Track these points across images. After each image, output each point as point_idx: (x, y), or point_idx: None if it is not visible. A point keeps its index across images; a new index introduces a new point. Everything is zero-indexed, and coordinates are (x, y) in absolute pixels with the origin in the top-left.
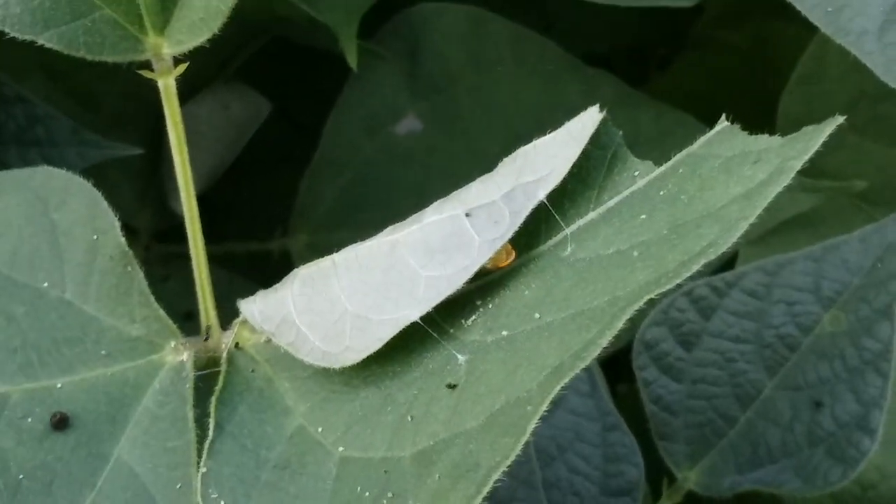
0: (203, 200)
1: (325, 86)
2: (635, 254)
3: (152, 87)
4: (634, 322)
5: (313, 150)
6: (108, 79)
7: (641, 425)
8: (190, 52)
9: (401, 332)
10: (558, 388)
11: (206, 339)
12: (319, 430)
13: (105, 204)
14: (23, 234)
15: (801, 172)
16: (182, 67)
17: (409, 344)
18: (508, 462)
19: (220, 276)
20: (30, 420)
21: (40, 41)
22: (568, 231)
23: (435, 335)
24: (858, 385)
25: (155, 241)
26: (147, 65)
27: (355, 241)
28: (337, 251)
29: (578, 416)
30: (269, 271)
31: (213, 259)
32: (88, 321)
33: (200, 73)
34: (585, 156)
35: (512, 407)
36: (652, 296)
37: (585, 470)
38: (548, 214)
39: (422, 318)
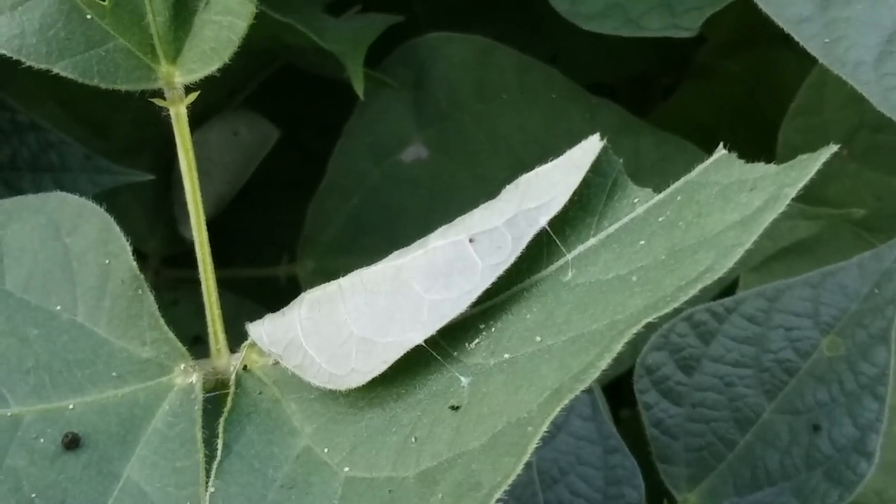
0: (212, 226)
1: (333, 113)
2: (634, 279)
3: (163, 116)
4: (636, 346)
5: (321, 176)
6: (119, 107)
7: (643, 449)
8: (200, 80)
9: (405, 354)
10: (558, 409)
11: (215, 362)
12: (325, 450)
13: (117, 229)
14: (37, 259)
15: (801, 200)
16: (193, 96)
17: (413, 367)
18: (510, 481)
19: (229, 300)
20: (42, 440)
21: (55, 70)
22: (569, 257)
23: (439, 358)
24: (855, 409)
25: (164, 265)
26: (159, 93)
27: (362, 267)
28: (343, 276)
29: (580, 439)
30: (277, 296)
31: (221, 283)
32: (100, 343)
33: (211, 101)
34: (586, 183)
35: (513, 427)
36: (650, 319)
37: (587, 492)
38: (549, 240)
39: (426, 341)
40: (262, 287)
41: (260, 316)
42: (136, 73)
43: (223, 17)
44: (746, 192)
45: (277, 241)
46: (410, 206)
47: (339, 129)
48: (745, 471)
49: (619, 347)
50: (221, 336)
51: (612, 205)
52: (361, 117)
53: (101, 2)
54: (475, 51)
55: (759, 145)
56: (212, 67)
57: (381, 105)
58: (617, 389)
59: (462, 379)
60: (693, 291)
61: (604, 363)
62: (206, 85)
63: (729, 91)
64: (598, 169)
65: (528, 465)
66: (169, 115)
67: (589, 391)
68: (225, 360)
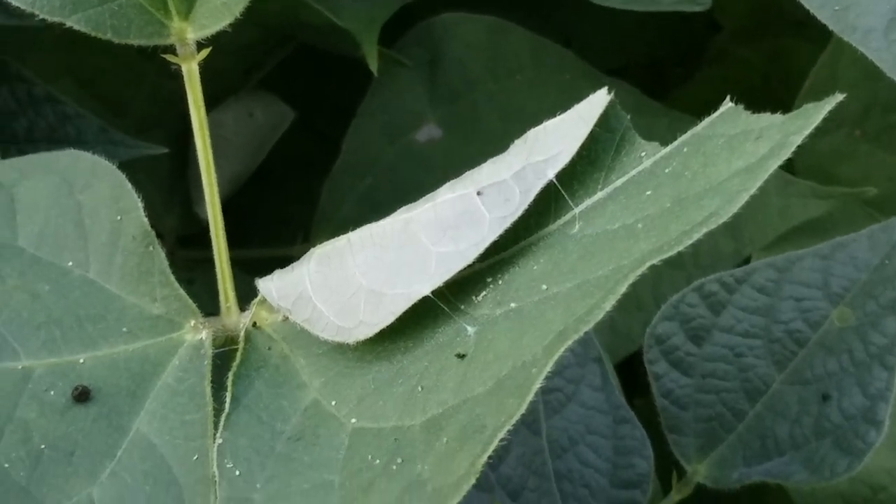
0: (227, 206)
1: (347, 94)
2: (639, 226)
3: (178, 93)
4: (646, 323)
5: (335, 157)
6: (135, 84)
7: (655, 427)
8: (215, 59)
9: (413, 307)
10: (562, 349)
11: (225, 320)
12: (333, 403)
13: (129, 185)
14: (49, 215)
15: (813, 179)
16: (205, 52)
17: (420, 320)
18: (513, 421)
19: (243, 280)
20: (52, 393)
21: (69, 23)
22: (576, 210)
23: (447, 310)
24: (865, 378)
25: (180, 246)
26: (171, 49)
27: None
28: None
29: (590, 409)
30: None
31: (235, 263)
32: (111, 299)
33: (226, 82)
34: (594, 139)
35: (518, 370)
36: (654, 262)
37: (596, 462)
38: (557, 194)
39: (433, 294)
40: (277, 267)
41: None
42: (148, 29)
43: None
44: (752, 142)
45: (292, 222)
46: (425, 185)
47: (353, 109)
48: (755, 441)
49: (622, 289)
50: (231, 293)
51: (620, 159)
52: (375, 97)
53: None
54: (489, 31)
55: None
56: (223, 23)
57: (395, 85)
58: (632, 378)
59: (468, 328)
60: (697, 235)
61: (608, 304)
62: (221, 65)
63: (743, 77)
64: (606, 124)
65: (537, 433)
66: (182, 76)
67: (600, 362)
68: (235, 318)
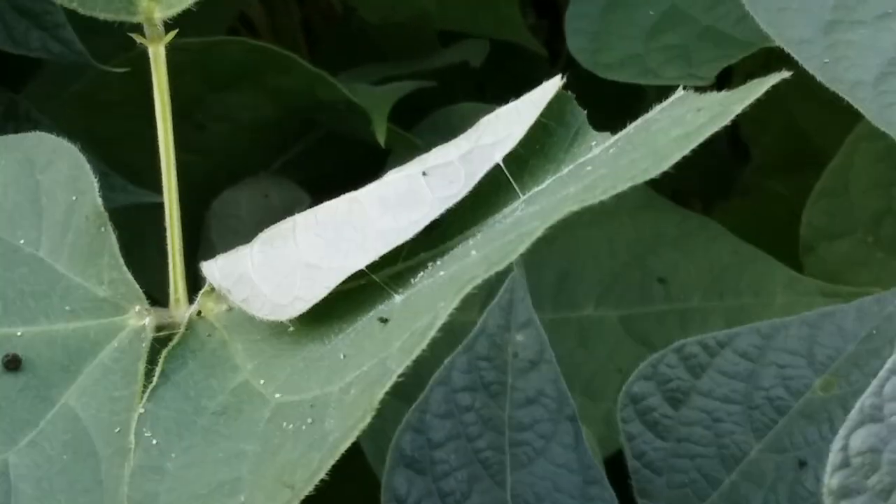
0: None
1: (363, 181)
2: (571, 190)
3: (193, 168)
4: None
5: None
6: (149, 153)
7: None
8: (232, 136)
9: (351, 293)
10: (468, 288)
11: (172, 311)
12: (262, 382)
13: (87, 166)
14: (7, 193)
15: (819, 277)
16: (171, 35)
17: (357, 305)
18: (414, 356)
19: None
20: None
21: None
22: (524, 198)
23: (385, 287)
24: None
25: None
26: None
27: None
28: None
29: (559, 466)
30: None
31: None
32: (58, 278)
33: (245, 167)
34: (549, 133)
35: (429, 319)
36: (574, 208)
37: None
38: (507, 186)
39: (370, 272)
40: None
41: None
42: (116, 4)
43: None
44: (693, 113)
45: None
46: None
47: None
48: None
49: (539, 233)
50: (181, 285)
51: (572, 151)
52: None
53: None
54: None
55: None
56: (189, 1)
57: None
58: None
59: (396, 297)
60: (623, 187)
61: (523, 247)
62: (239, 143)
63: (770, 210)
64: (561, 120)
65: (501, 485)
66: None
67: (573, 420)
68: (182, 310)
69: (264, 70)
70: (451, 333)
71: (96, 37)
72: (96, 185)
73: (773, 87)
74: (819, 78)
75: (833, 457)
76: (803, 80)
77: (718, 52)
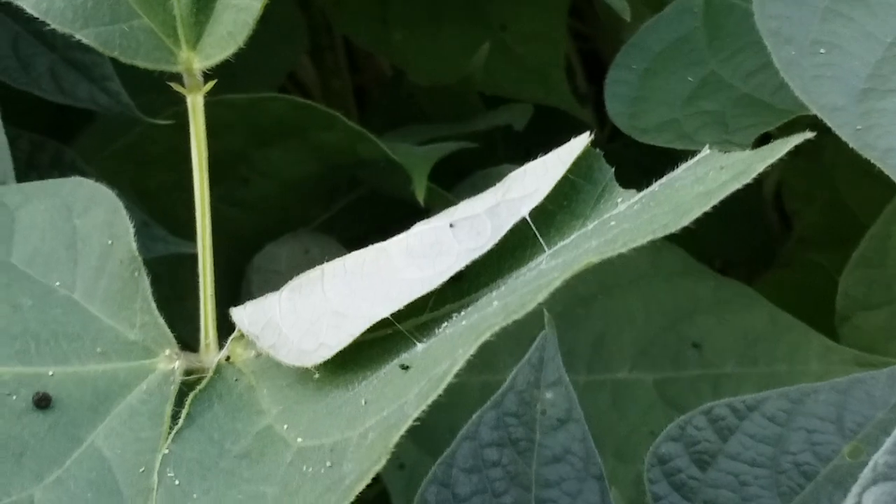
0: None
1: None
2: (593, 243)
3: (237, 223)
4: None
5: None
6: (190, 204)
7: None
8: (275, 191)
9: (378, 343)
10: (486, 335)
11: (202, 356)
12: (285, 427)
13: (124, 212)
14: (45, 237)
15: (855, 346)
16: (210, 84)
17: (383, 354)
18: (429, 401)
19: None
20: (14, 398)
21: (78, 36)
22: (549, 252)
23: (406, 334)
24: None
25: None
26: (177, 78)
27: None
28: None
29: None
30: None
31: None
32: (90, 320)
33: (287, 223)
34: (577, 190)
35: (447, 366)
36: (594, 260)
37: None
38: (533, 241)
39: (396, 322)
40: None
41: None
42: (156, 54)
43: (241, 0)
44: (716, 171)
45: None
46: None
47: None
48: None
49: (557, 283)
50: (212, 331)
51: (598, 207)
52: None
53: None
54: None
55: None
56: (228, 52)
57: None
58: None
59: (419, 346)
60: (643, 240)
61: (541, 296)
62: (280, 198)
63: (812, 283)
64: (589, 177)
65: None
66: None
67: (600, 480)
68: (212, 355)
69: (308, 126)
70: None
71: (148, 93)
72: (132, 231)
73: (819, 161)
74: (851, 144)
75: None
76: (850, 154)
77: (755, 119)
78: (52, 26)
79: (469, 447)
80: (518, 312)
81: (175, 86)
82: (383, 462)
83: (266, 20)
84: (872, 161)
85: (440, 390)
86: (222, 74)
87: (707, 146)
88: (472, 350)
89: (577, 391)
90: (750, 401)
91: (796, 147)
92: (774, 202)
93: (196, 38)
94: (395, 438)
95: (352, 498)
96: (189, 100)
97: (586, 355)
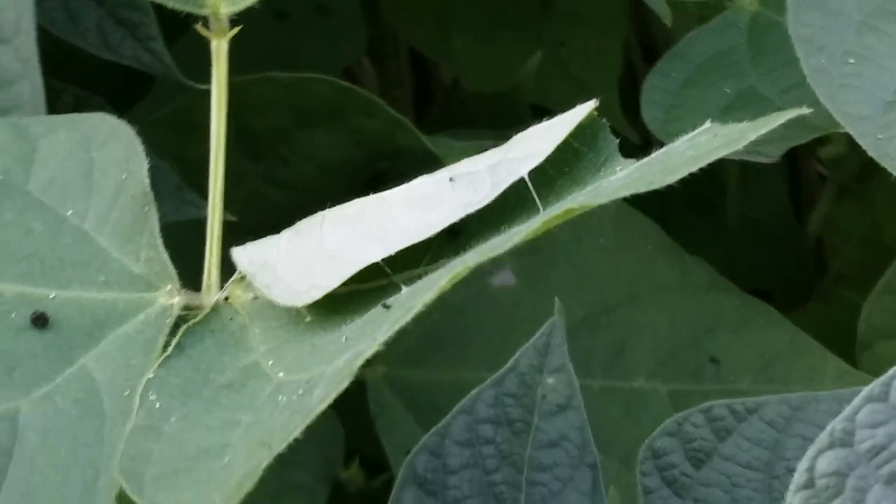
0: None
1: None
2: (580, 198)
3: (277, 202)
4: None
5: None
6: (235, 184)
7: None
8: (314, 174)
9: (370, 291)
10: (461, 270)
11: (203, 297)
12: (270, 363)
13: (141, 148)
14: (63, 166)
15: (873, 374)
16: (235, 30)
17: (373, 301)
18: (397, 328)
19: None
20: (14, 315)
21: None
22: (544, 212)
23: (400, 285)
24: None
25: None
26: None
27: (431, 380)
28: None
29: None
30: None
31: None
32: (97, 250)
33: (322, 206)
34: (580, 157)
35: (423, 297)
36: (575, 208)
37: None
38: (532, 204)
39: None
40: None
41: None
42: None
43: None
44: (708, 137)
45: None
46: (488, 329)
47: None
48: None
49: (532, 230)
50: (215, 272)
51: (599, 175)
52: None
53: None
54: None
55: None
56: None
57: None
58: None
59: (404, 289)
60: (625, 194)
61: (518, 238)
62: (319, 180)
63: (847, 319)
64: (593, 145)
65: None
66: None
67: (594, 468)
68: (212, 295)
69: (349, 111)
70: None
71: (200, 70)
72: (146, 167)
73: (863, 197)
74: (870, 152)
75: (798, 476)
76: (892, 192)
77: (787, 133)
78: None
79: (464, 421)
80: (493, 251)
81: (200, 29)
82: (346, 384)
83: (326, 14)
84: (889, 169)
85: (409, 318)
86: (281, 64)
87: (709, 120)
88: (447, 282)
89: (592, 395)
90: (750, 403)
91: (844, 187)
92: (815, 239)
93: None
94: (360, 362)
95: (312, 418)
96: (214, 44)
97: (604, 361)
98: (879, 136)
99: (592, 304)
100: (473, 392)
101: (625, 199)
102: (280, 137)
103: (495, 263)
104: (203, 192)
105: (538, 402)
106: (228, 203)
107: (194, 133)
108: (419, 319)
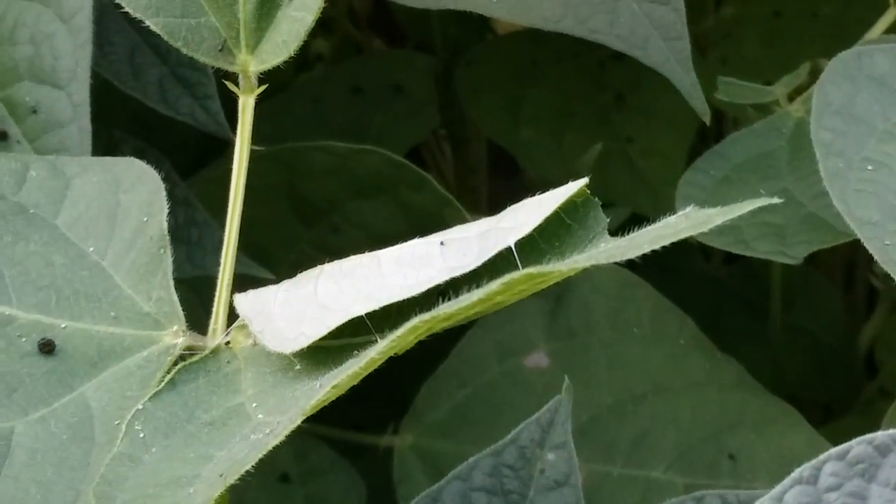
0: None
1: None
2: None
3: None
4: None
5: (438, 355)
6: (286, 245)
7: None
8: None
9: (362, 344)
10: (418, 320)
11: (209, 340)
12: (254, 405)
13: (163, 194)
14: (91, 205)
15: None
16: (262, 88)
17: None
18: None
19: (321, 453)
20: (23, 340)
21: (148, 23)
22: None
23: (377, 337)
24: None
25: None
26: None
27: (458, 453)
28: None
29: None
30: (367, 459)
31: (321, 438)
32: (112, 287)
33: None
34: (570, 234)
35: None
36: (531, 272)
37: None
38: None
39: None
40: (358, 450)
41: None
42: (216, 52)
43: (298, 13)
44: (681, 219)
45: (383, 411)
46: (520, 408)
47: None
48: None
49: (493, 288)
50: (222, 317)
51: (585, 252)
52: (496, 314)
53: None
54: (619, 283)
55: None
56: (279, 59)
57: (518, 307)
58: None
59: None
60: (583, 265)
61: (475, 297)
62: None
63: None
64: (584, 223)
65: None
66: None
67: None
68: (216, 339)
69: (399, 184)
70: None
71: None
72: (166, 210)
73: None
74: (876, 257)
75: None
76: None
77: (813, 236)
78: (126, 9)
79: (458, 487)
80: (452, 307)
81: (230, 85)
82: (298, 422)
83: (400, 91)
84: (892, 275)
85: (365, 361)
86: (353, 135)
87: (692, 205)
88: (400, 330)
89: (611, 482)
90: (743, 496)
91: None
92: (866, 352)
93: (255, 43)
94: (312, 403)
95: (265, 452)
96: (241, 100)
97: (626, 449)
98: (887, 243)
99: (621, 392)
100: (471, 459)
101: (671, 296)
102: (333, 206)
103: (529, 345)
104: (251, 254)
105: (535, 476)
106: (279, 264)
107: (248, 197)
108: (452, 391)
